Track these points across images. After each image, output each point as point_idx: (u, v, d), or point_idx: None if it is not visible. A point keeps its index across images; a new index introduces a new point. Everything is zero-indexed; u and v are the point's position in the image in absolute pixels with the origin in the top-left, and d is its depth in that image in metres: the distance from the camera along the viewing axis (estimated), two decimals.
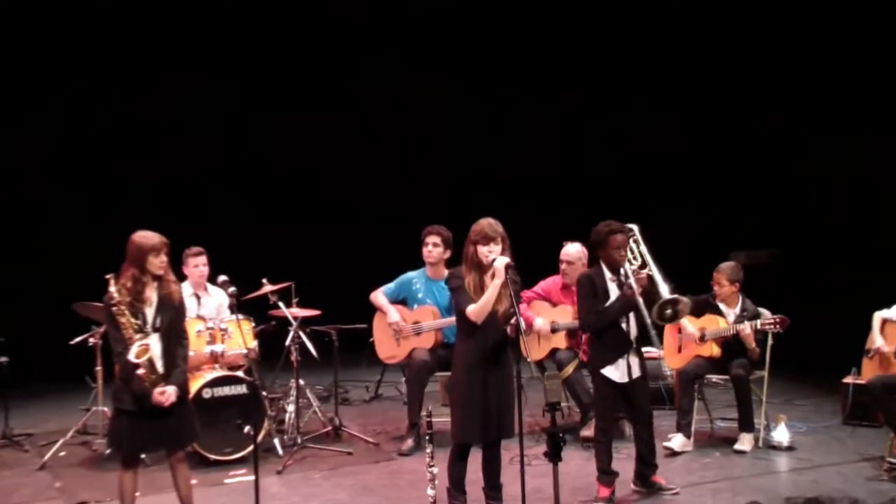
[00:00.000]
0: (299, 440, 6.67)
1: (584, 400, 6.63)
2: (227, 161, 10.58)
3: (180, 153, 10.05)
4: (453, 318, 5.75)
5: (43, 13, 9.49)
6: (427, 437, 5.10)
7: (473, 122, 11.16)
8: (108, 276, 4.75)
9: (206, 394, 6.22)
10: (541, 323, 6.86)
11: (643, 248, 5.60)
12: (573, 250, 6.82)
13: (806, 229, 10.20)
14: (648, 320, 5.35)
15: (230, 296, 6.29)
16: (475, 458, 5.16)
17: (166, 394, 4.72)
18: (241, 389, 6.35)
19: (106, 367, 6.38)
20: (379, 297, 6.93)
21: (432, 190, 10.71)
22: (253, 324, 6.83)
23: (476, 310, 4.88)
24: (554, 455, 4.48)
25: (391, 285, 6.97)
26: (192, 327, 6.24)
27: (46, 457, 6.54)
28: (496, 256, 4.89)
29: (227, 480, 6.04)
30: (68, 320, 6.87)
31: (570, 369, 6.68)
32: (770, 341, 6.48)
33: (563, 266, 6.87)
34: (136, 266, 4.74)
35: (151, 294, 4.79)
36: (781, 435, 6.52)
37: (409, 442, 6.67)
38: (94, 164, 10.02)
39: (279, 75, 10.58)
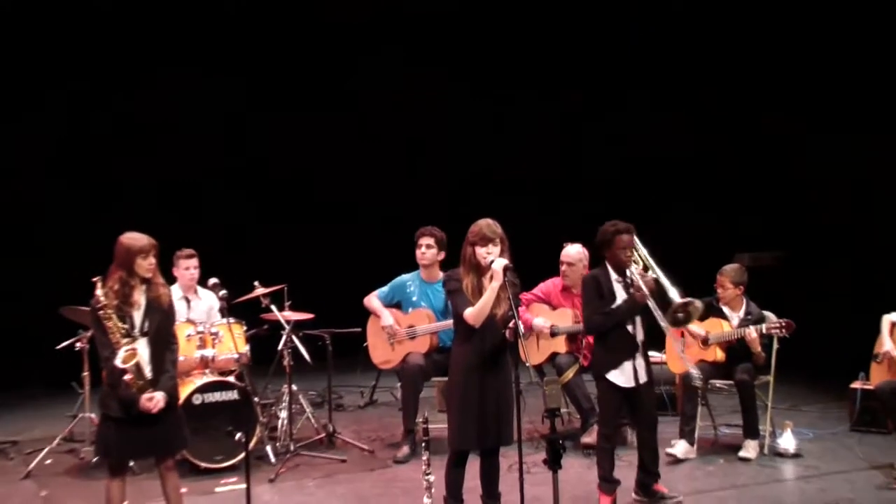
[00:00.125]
0: (292, 447, 6.59)
1: (585, 405, 6.57)
2: (227, 161, 10.60)
3: (180, 153, 10.06)
4: (449, 322, 5.69)
5: (43, 13, 9.50)
6: (423, 444, 5.07)
7: (473, 122, 11.19)
8: (95, 279, 4.68)
9: (197, 400, 6.17)
10: (541, 322, 6.76)
11: (644, 252, 5.52)
12: (574, 251, 6.75)
13: (806, 229, 10.20)
14: (663, 323, 5.28)
15: (221, 299, 6.14)
16: (473, 466, 5.08)
17: (154, 400, 4.65)
18: (233, 395, 6.28)
19: (93, 372, 6.32)
20: (372, 300, 6.87)
21: (432, 190, 10.71)
22: (244, 327, 6.73)
23: (474, 313, 4.80)
24: (553, 462, 4.40)
25: (385, 289, 6.91)
26: (182, 331, 6.21)
27: (32, 465, 6.45)
28: (495, 258, 4.81)
29: (217, 489, 5.97)
30: (56, 324, 6.76)
31: (570, 374, 6.59)
32: (776, 345, 6.40)
33: (563, 268, 6.81)
34: (123, 268, 4.69)
35: (139, 297, 4.73)
36: (787, 442, 6.41)
37: (405, 449, 6.58)
38: (93, 164, 10.02)
39: (279, 75, 10.61)
